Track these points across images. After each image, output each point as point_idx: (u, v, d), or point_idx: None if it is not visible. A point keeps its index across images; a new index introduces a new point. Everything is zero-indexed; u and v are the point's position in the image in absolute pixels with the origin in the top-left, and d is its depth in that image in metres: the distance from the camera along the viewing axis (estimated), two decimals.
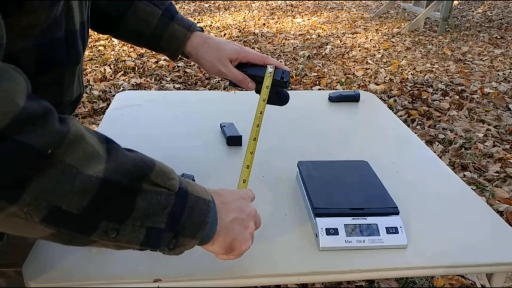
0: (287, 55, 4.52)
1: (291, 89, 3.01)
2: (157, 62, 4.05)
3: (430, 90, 3.51)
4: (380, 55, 4.51)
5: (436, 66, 4.18)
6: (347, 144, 1.10)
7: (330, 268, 0.69)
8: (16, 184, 0.40)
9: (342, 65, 4.20)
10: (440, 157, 2.24)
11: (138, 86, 3.47)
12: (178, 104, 1.29)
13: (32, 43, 0.52)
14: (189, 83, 3.60)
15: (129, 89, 3.37)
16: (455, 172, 1.31)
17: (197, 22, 5.88)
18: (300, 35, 5.38)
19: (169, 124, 1.16)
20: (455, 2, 7.28)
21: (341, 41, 5.07)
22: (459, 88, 3.53)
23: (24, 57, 0.53)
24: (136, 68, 3.90)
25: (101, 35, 4.68)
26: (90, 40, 4.57)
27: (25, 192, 0.40)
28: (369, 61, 4.30)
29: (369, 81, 3.72)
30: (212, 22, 5.94)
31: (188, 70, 3.84)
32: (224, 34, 5.31)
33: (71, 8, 0.58)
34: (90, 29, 0.85)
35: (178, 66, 3.92)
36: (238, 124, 1.12)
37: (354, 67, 4.11)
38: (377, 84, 3.65)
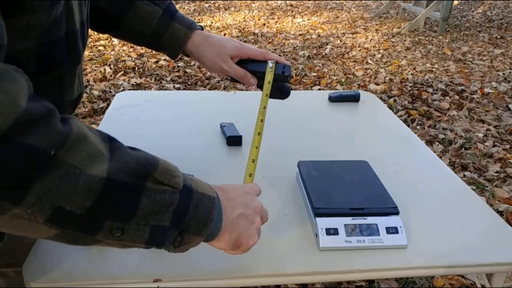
0: (287, 55, 4.52)
1: (291, 89, 3.00)
2: (157, 62, 4.05)
3: (430, 90, 3.51)
4: (380, 55, 4.51)
5: (436, 66, 4.18)
6: (347, 144, 1.10)
7: (330, 268, 0.69)
8: (20, 186, 0.40)
9: (342, 65, 4.20)
10: (440, 157, 2.24)
11: (138, 86, 3.47)
12: (178, 104, 1.29)
13: (33, 44, 0.52)
14: (189, 83, 3.60)
15: (129, 89, 3.37)
16: (455, 172, 1.31)
17: (197, 22, 5.88)
18: (300, 35, 5.39)
19: (169, 124, 1.16)
20: (455, 2, 7.28)
21: (341, 41, 5.07)
22: (459, 88, 3.53)
23: (25, 58, 0.53)
24: (136, 68, 3.90)
25: (101, 35, 4.68)
26: (90, 40, 4.57)
27: (29, 194, 0.40)
28: (369, 61, 4.30)
29: (369, 81, 3.72)
30: (212, 22, 5.94)
31: (188, 70, 3.84)
32: (224, 34, 5.31)
33: (71, 8, 0.58)
34: (89, 29, 0.85)
35: (178, 66, 3.92)
36: (238, 124, 1.12)
37: (354, 67, 4.11)
38: (377, 84, 3.65)
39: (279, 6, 7.33)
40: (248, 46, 0.89)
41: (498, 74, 3.93)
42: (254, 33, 5.42)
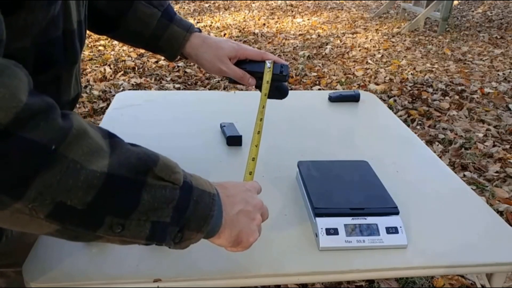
0: (287, 55, 4.52)
1: (291, 89, 3.01)
2: (157, 62, 4.05)
3: (430, 90, 3.51)
4: (380, 55, 4.51)
5: (436, 66, 4.18)
6: (347, 144, 1.10)
7: (330, 268, 0.69)
8: (21, 180, 0.40)
9: (342, 65, 4.20)
10: (440, 157, 2.24)
11: (138, 86, 3.47)
12: (178, 104, 1.29)
13: (31, 43, 0.52)
14: (189, 83, 3.60)
15: (129, 89, 3.37)
16: (455, 172, 1.31)
17: (197, 22, 5.89)
18: (300, 35, 5.38)
19: (169, 124, 1.16)
20: (455, 2, 7.28)
21: (341, 41, 5.07)
22: (459, 88, 3.53)
23: (22, 57, 0.53)
24: (136, 68, 3.90)
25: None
26: (90, 40, 4.57)
27: (30, 188, 0.40)
28: (369, 61, 4.30)
29: (369, 81, 3.72)
30: (212, 22, 5.94)
31: (188, 70, 3.84)
32: (224, 34, 5.31)
33: (68, 7, 0.58)
34: (88, 30, 0.85)
35: (178, 66, 3.93)
36: (238, 124, 1.12)
37: (354, 67, 4.11)
38: (377, 84, 3.65)
39: (279, 6, 7.33)
40: (245, 47, 0.90)
41: (498, 74, 3.93)
42: (254, 33, 5.42)
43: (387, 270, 0.71)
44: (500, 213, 1.99)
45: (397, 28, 5.75)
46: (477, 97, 3.35)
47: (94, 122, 2.79)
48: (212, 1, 7.45)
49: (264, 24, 5.99)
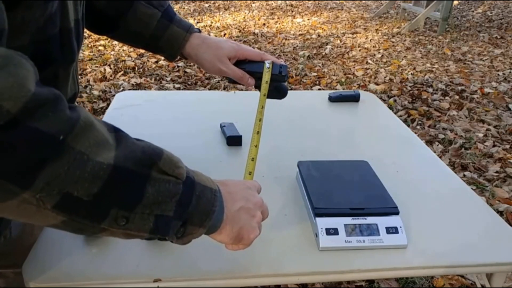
0: (287, 55, 4.52)
1: (291, 89, 3.01)
2: (157, 62, 4.05)
3: (430, 90, 3.51)
4: (380, 55, 4.51)
5: (436, 66, 4.18)
6: (347, 144, 1.10)
7: (330, 268, 0.69)
8: (29, 170, 0.40)
9: (342, 65, 4.20)
10: (440, 157, 2.24)
11: (138, 86, 3.47)
12: (178, 104, 1.29)
13: (28, 41, 0.52)
14: (189, 83, 3.60)
15: (129, 89, 3.37)
16: (455, 172, 1.31)
17: (197, 22, 5.89)
18: (300, 35, 5.39)
19: (169, 124, 1.16)
20: (455, 2, 7.28)
21: (341, 41, 5.07)
22: (459, 88, 3.53)
23: None
24: (136, 68, 3.90)
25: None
26: (90, 40, 4.57)
27: (38, 178, 0.40)
28: (369, 61, 4.30)
29: (369, 81, 3.72)
30: (212, 22, 5.94)
31: (188, 70, 3.84)
32: (224, 34, 5.31)
33: (65, 6, 0.58)
34: (87, 30, 0.84)
35: (178, 66, 3.93)
36: (238, 124, 1.12)
37: (354, 67, 4.11)
38: (377, 84, 3.65)
39: (279, 6, 7.34)
40: (245, 47, 0.90)
41: (498, 74, 3.93)
42: (254, 33, 5.42)
43: (387, 270, 0.71)
44: (500, 213, 1.99)
45: (397, 28, 5.75)
46: (477, 97, 3.35)
47: None
48: (212, 1, 7.45)
49: (264, 24, 5.99)
